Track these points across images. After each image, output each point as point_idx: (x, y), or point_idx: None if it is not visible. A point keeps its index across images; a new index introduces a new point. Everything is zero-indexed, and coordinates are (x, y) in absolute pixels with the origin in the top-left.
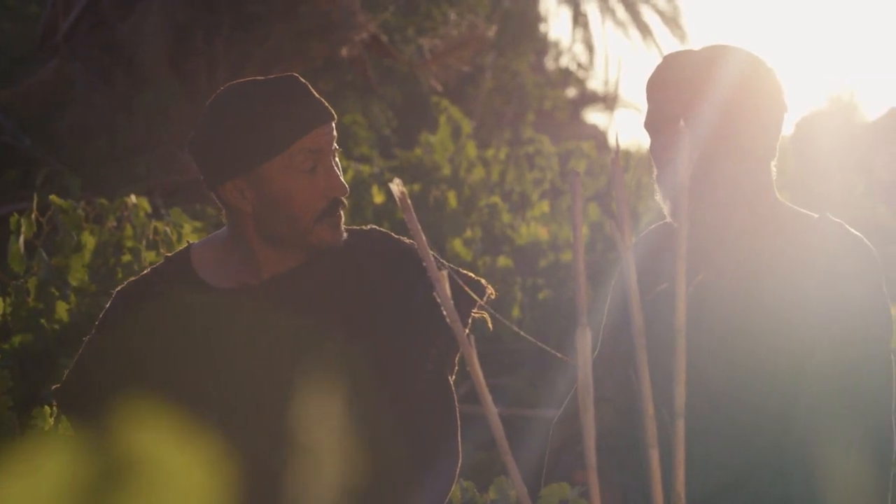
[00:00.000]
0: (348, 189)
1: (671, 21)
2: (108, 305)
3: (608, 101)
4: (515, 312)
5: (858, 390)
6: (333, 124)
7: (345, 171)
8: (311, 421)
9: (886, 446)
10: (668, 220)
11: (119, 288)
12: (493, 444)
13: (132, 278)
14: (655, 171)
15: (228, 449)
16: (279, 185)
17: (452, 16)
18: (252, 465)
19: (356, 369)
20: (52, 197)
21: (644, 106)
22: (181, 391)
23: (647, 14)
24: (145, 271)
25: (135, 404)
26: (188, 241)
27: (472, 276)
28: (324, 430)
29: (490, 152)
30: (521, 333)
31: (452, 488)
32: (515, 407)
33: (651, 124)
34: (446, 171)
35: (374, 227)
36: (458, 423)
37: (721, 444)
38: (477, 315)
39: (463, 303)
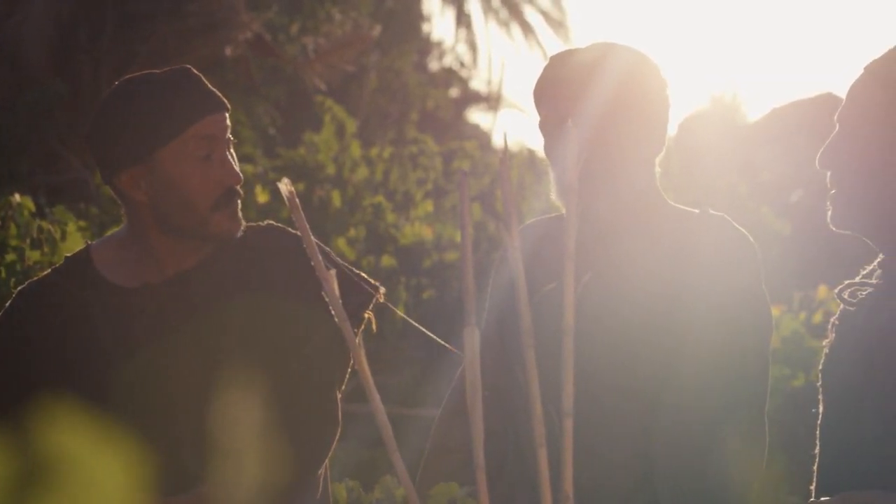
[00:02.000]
0: (242, 178)
1: (555, 21)
2: (7, 306)
3: (491, 101)
4: (400, 312)
5: (733, 384)
6: (227, 115)
7: None
8: (221, 420)
9: (759, 440)
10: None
11: (19, 288)
12: (379, 442)
13: (33, 279)
14: (551, 172)
15: (133, 449)
16: (174, 172)
17: (336, 15)
18: (161, 466)
19: (260, 367)
20: None
21: (527, 106)
22: (86, 392)
23: (531, 14)
24: (46, 272)
25: (37, 406)
26: (87, 242)
27: (364, 276)
28: (233, 429)
29: (374, 152)
30: (421, 329)
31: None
32: (399, 406)
33: (544, 126)
34: (330, 170)
35: (270, 222)
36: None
37: (620, 443)
38: (368, 315)
39: (354, 300)
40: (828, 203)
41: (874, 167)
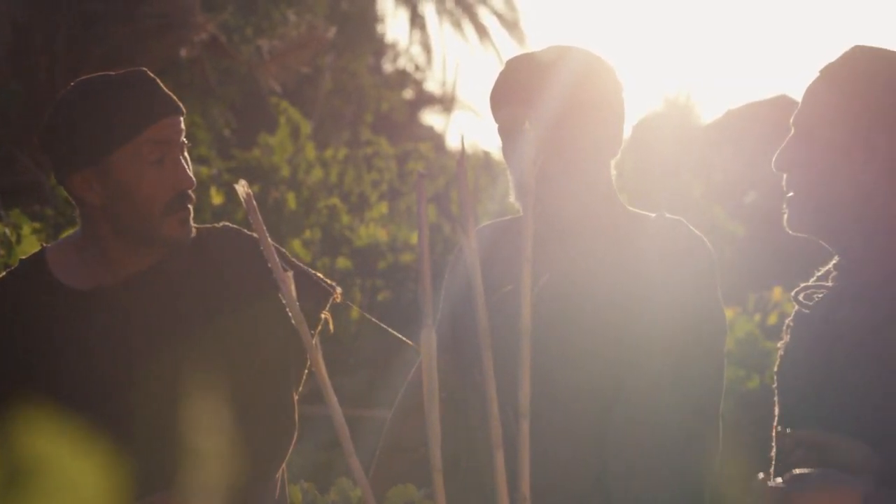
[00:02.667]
0: (195, 182)
1: (509, 23)
2: None
3: (445, 103)
4: (354, 314)
5: (687, 385)
6: (181, 119)
7: None
8: (177, 422)
9: (713, 441)
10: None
11: None
12: (334, 444)
13: None
14: (510, 175)
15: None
16: (126, 176)
17: (291, 17)
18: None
19: (216, 369)
20: None
21: (482, 108)
22: (39, 394)
23: (485, 16)
24: (1, 275)
25: None
26: (42, 245)
27: (321, 276)
28: (190, 431)
29: (329, 153)
30: (381, 325)
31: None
32: (353, 407)
33: (501, 129)
34: (285, 172)
35: (226, 224)
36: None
37: (577, 444)
38: (325, 316)
39: (311, 301)
40: (784, 206)
41: (830, 170)
